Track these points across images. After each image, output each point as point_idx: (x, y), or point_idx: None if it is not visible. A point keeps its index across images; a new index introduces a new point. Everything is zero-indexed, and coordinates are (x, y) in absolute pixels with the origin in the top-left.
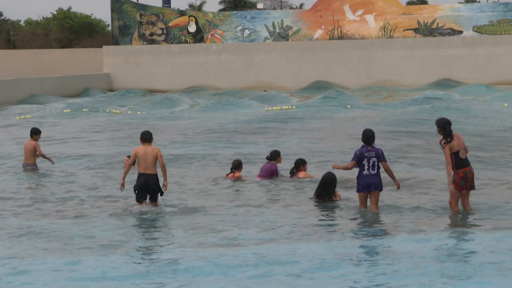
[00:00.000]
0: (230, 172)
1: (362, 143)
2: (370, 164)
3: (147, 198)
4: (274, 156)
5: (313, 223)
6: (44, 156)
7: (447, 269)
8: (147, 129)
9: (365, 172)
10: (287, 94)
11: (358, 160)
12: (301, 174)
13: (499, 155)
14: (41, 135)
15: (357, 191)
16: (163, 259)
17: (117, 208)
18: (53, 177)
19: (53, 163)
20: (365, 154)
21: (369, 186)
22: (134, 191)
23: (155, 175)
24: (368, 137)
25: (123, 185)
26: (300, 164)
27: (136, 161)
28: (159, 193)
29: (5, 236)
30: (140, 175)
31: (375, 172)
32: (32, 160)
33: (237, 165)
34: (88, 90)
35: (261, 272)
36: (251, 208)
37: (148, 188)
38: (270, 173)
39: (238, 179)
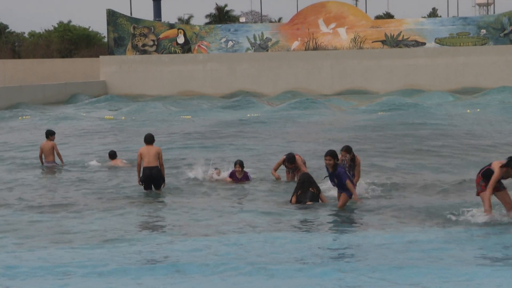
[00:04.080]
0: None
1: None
2: None
3: (152, 187)
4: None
5: (290, 219)
6: (59, 156)
7: (411, 260)
8: (149, 132)
9: None
10: (267, 100)
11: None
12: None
13: (454, 153)
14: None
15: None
16: (150, 250)
17: (118, 202)
18: (69, 173)
19: (63, 164)
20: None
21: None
22: (141, 183)
23: (157, 167)
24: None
25: (140, 181)
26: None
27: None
28: (161, 183)
29: (12, 228)
30: (145, 169)
31: None
32: (51, 158)
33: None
34: (80, 96)
35: (241, 262)
36: (234, 205)
37: (152, 177)
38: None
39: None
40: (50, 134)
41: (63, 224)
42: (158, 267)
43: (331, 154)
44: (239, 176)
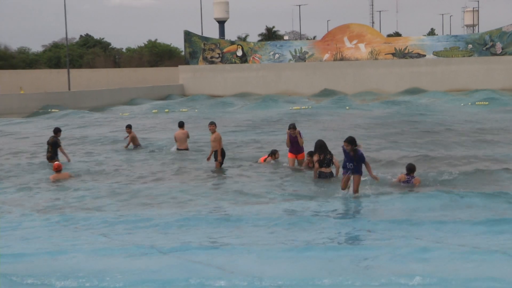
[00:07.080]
0: (268, 156)
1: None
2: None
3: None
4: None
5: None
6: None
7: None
8: (212, 120)
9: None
10: (306, 99)
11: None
12: (416, 181)
13: (451, 137)
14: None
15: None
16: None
17: (191, 176)
18: (158, 154)
19: (188, 149)
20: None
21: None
22: (216, 159)
23: (221, 149)
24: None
25: (209, 158)
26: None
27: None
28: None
29: (116, 194)
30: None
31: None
32: (185, 146)
33: (273, 153)
34: (169, 95)
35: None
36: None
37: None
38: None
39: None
40: (183, 125)
41: (151, 192)
42: (223, 224)
43: (349, 141)
44: (293, 134)
